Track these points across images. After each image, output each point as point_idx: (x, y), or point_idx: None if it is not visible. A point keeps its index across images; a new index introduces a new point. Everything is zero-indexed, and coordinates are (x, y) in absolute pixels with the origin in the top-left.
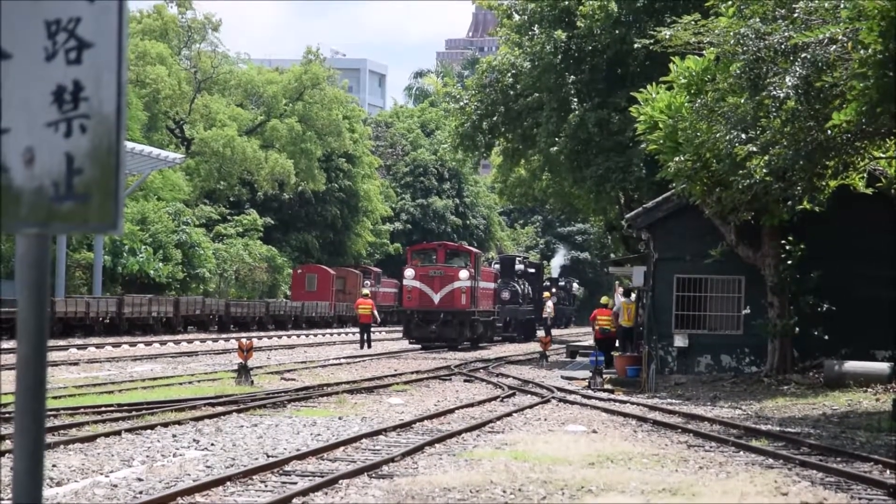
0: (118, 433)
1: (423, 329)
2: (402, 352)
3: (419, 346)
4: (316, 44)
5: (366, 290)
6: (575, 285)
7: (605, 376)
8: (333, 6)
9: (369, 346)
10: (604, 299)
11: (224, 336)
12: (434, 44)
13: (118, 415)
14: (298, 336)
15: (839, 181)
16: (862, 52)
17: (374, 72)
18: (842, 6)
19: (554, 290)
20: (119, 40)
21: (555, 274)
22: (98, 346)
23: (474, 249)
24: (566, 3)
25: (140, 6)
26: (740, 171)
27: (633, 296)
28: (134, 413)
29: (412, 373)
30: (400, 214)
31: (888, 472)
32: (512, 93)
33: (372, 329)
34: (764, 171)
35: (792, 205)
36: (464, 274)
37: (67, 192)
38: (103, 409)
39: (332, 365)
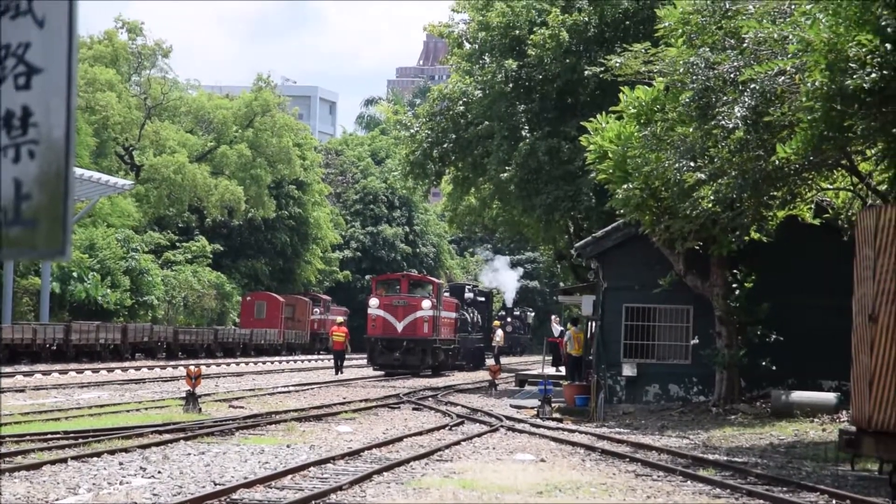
0: (64, 461)
1: (386, 356)
2: (352, 380)
3: (383, 372)
4: (266, 70)
5: (340, 319)
6: (530, 313)
7: (553, 405)
8: (284, 33)
9: (341, 373)
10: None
11: (172, 363)
12: (385, 72)
13: (64, 442)
14: (247, 364)
15: (787, 212)
16: (809, 84)
17: (325, 99)
18: (790, 38)
19: (509, 318)
20: (69, 66)
21: (508, 302)
22: (45, 373)
23: (437, 280)
24: (517, 32)
25: (90, 32)
26: (688, 200)
27: (579, 325)
28: (80, 440)
29: (361, 401)
30: (350, 242)
31: (834, 501)
32: (462, 121)
33: (321, 356)
34: (711, 199)
35: (739, 235)
36: (426, 304)
37: (15, 217)
38: (49, 436)
39: (280, 393)
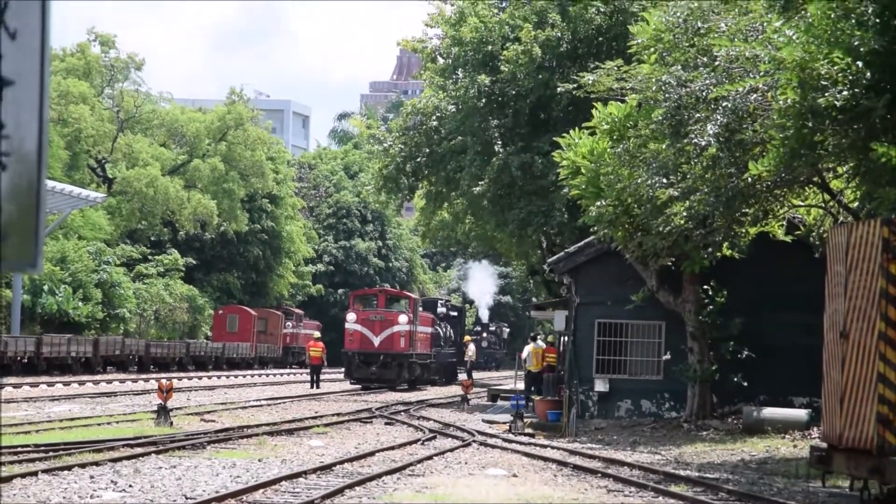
0: (35, 474)
1: (363, 370)
2: (325, 394)
3: (359, 386)
4: (240, 84)
5: (317, 334)
6: (505, 329)
7: (525, 420)
8: (258, 47)
9: (318, 387)
10: (550, 338)
11: (144, 377)
12: (358, 86)
13: (35, 455)
14: (219, 377)
15: (759, 228)
16: (781, 102)
17: (298, 113)
18: (761, 56)
19: (485, 333)
20: (41, 79)
21: (484, 317)
22: (15, 386)
23: (413, 295)
24: (490, 47)
25: (63, 44)
26: (661, 216)
27: (539, 340)
28: (51, 454)
29: (333, 415)
30: (322, 256)
31: None
32: (436, 136)
33: (293, 370)
34: (684, 216)
35: (712, 251)
36: (403, 318)
37: None
38: (20, 449)
39: (252, 406)
